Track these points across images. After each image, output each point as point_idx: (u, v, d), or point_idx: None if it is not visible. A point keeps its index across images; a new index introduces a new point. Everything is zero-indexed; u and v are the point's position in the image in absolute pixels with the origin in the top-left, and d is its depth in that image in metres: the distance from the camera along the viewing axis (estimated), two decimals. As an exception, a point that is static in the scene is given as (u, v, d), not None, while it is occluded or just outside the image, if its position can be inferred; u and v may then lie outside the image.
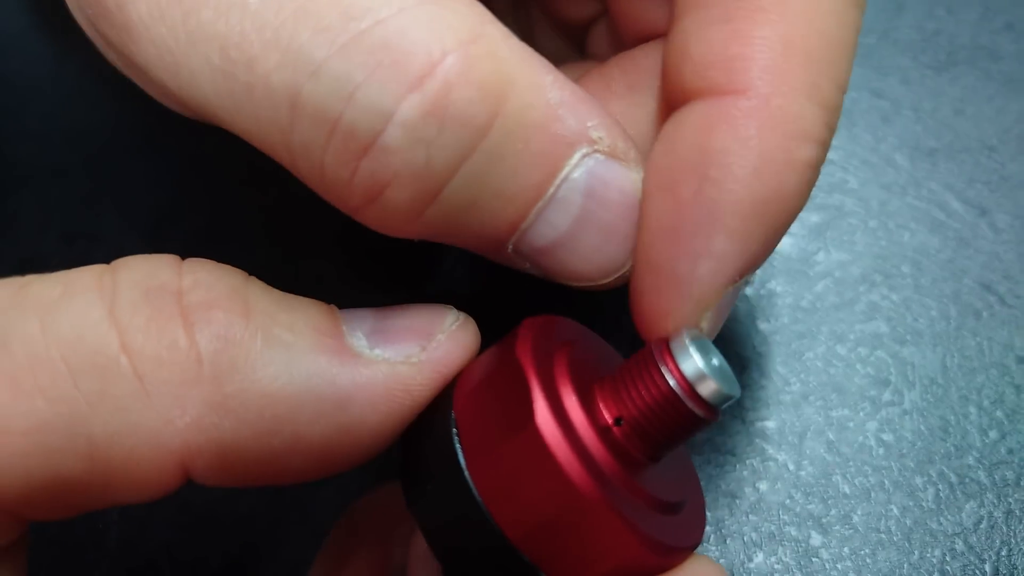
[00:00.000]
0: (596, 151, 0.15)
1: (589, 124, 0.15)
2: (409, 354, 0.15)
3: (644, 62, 0.18)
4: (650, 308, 0.15)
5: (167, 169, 0.29)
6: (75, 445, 0.12)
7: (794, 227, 0.28)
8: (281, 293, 0.15)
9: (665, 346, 0.14)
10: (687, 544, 0.14)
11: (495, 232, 0.15)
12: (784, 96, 0.14)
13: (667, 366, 0.14)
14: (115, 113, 0.30)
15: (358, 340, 0.15)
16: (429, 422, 0.15)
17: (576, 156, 0.14)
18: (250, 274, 0.15)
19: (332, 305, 0.15)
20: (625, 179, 0.15)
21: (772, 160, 0.14)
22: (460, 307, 0.17)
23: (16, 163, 0.29)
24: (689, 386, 0.14)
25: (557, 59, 0.22)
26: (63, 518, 0.14)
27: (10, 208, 0.28)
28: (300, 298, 0.15)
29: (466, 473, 0.14)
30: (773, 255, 0.27)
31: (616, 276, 0.16)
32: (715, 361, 0.14)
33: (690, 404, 0.14)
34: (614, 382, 0.14)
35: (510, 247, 0.15)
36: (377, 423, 0.14)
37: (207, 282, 0.14)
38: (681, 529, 0.14)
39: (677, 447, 0.15)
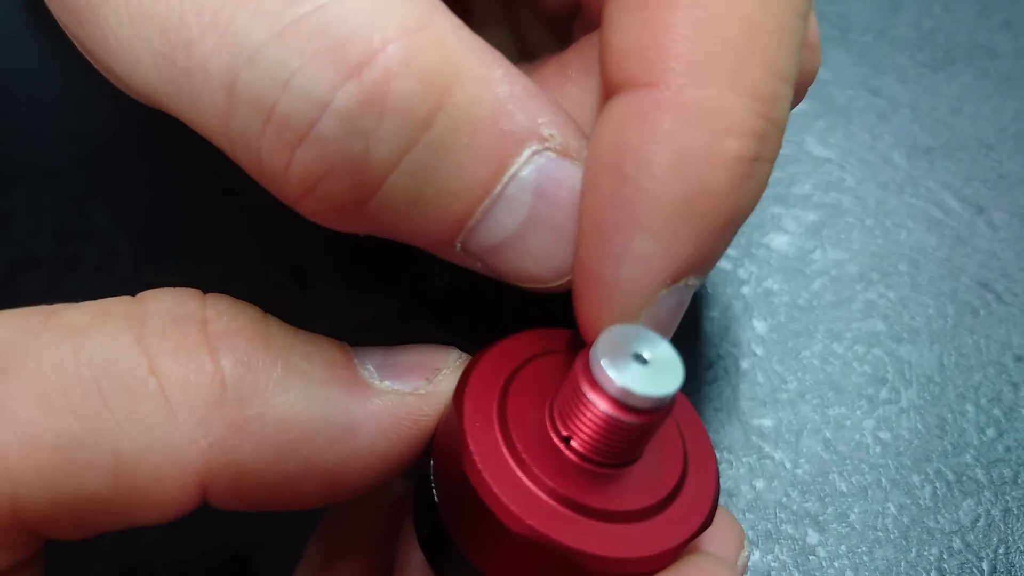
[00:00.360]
0: (547, 149, 0.14)
1: (540, 121, 0.14)
2: (416, 386, 0.15)
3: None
4: (584, 312, 0.15)
5: (160, 170, 0.29)
6: (102, 461, 0.13)
7: (791, 225, 0.28)
8: (295, 328, 0.15)
9: (584, 366, 0.14)
10: (666, 547, 0.14)
11: (441, 230, 0.14)
12: (701, 87, 0.13)
13: (590, 388, 0.13)
14: (108, 114, 0.30)
15: (369, 373, 0.15)
16: (421, 465, 0.15)
17: (525, 153, 0.14)
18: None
19: (343, 342, 0.16)
20: (577, 179, 0.14)
21: (691, 156, 0.13)
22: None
23: (9, 164, 0.29)
24: (616, 403, 0.13)
25: (546, 55, 0.21)
26: (80, 538, 0.14)
27: (3, 208, 0.28)
28: (313, 333, 0.15)
29: (441, 517, 0.14)
30: (769, 253, 0.27)
31: (568, 279, 0.15)
32: (645, 354, 0.13)
33: (625, 419, 0.13)
34: (559, 400, 0.14)
35: (458, 246, 0.15)
36: (386, 450, 0.15)
37: (230, 313, 0.14)
38: (664, 529, 0.14)
39: (642, 447, 0.14)
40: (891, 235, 0.27)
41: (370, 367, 0.15)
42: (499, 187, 0.14)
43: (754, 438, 0.23)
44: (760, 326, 0.25)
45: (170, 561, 0.22)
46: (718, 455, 0.23)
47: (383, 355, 0.15)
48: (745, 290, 0.26)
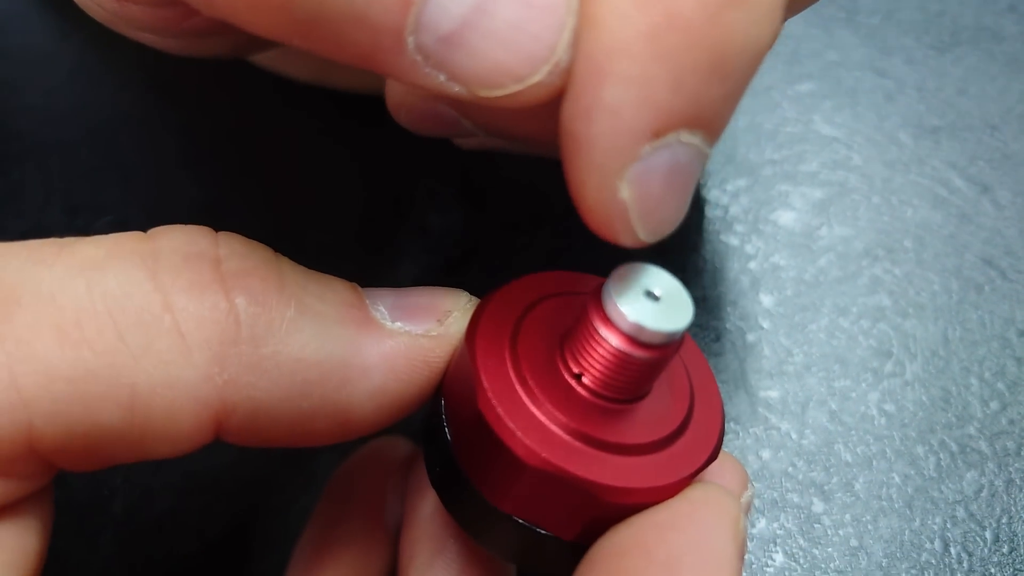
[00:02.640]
0: None
1: None
2: (428, 328, 0.15)
3: None
4: (569, 179, 0.13)
5: (169, 144, 0.29)
6: (118, 395, 0.13)
7: (798, 202, 0.28)
8: (307, 269, 0.15)
9: (596, 303, 0.14)
10: (677, 477, 0.14)
11: (385, 8, 0.12)
12: None
13: (603, 324, 0.13)
14: (117, 87, 0.30)
15: (381, 314, 0.15)
16: (432, 405, 0.16)
17: None
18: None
19: (354, 283, 0.16)
20: None
21: None
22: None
23: (19, 137, 0.29)
24: (629, 339, 0.13)
25: None
26: (91, 469, 0.14)
27: (13, 181, 0.28)
28: (325, 274, 0.15)
29: (454, 456, 0.15)
30: (776, 229, 0.27)
31: (552, 67, 0.12)
32: (656, 291, 0.13)
33: (637, 354, 0.13)
34: (571, 337, 0.14)
35: (411, 41, 0.12)
36: (398, 391, 0.15)
37: (242, 252, 0.14)
38: (673, 461, 0.14)
39: (651, 383, 0.15)
40: (897, 212, 0.28)
41: (382, 308, 0.15)
42: None
43: (761, 409, 0.24)
44: (767, 300, 0.26)
45: (180, 527, 0.22)
46: (724, 425, 0.23)
47: (394, 297, 0.15)
48: (752, 265, 0.26)
